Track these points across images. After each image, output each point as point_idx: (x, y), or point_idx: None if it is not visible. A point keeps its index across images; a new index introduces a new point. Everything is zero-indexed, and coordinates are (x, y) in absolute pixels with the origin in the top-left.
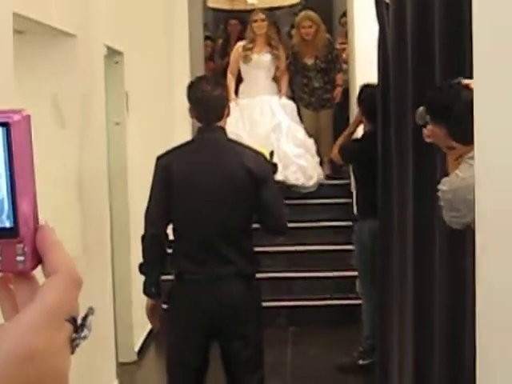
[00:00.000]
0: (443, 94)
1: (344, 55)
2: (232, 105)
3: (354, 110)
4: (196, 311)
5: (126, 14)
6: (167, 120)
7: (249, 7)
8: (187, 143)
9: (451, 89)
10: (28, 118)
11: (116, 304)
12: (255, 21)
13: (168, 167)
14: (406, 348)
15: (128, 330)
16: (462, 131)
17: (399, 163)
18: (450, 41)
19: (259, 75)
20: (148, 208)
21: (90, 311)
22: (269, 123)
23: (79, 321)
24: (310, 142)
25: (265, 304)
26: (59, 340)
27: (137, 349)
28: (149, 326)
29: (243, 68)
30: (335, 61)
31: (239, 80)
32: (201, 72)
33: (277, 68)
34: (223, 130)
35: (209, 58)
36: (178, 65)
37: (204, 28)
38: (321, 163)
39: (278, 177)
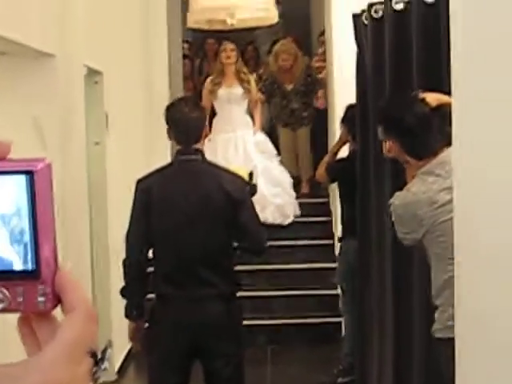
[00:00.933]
0: (394, 107)
1: (322, 74)
2: (205, 140)
3: (333, 130)
4: (177, 331)
5: (105, 34)
6: (146, 140)
7: (227, 27)
8: (166, 166)
9: (403, 102)
10: (50, 166)
11: None
12: (224, 50)
13: (147, 191)
14: (385, 364)
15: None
16: (415, 145)
17: (377, 182)
18: (427, 63)
19: (232, 109)
20: (128, 231)
21: (109, 344)
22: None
23: (99, 354)
24: (286, 177)
25: (244, 322)
26: (81, 374)
27: (117, 368)
28: (128, 346)
29: (215, 103)
30: (314, 83)
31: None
32: (180, 91)
33: (249, 101)
34: (201, 152)
35: (188, 78)
36: (158, 84)
37: (189, 46)
38: (299, 182)
39: None
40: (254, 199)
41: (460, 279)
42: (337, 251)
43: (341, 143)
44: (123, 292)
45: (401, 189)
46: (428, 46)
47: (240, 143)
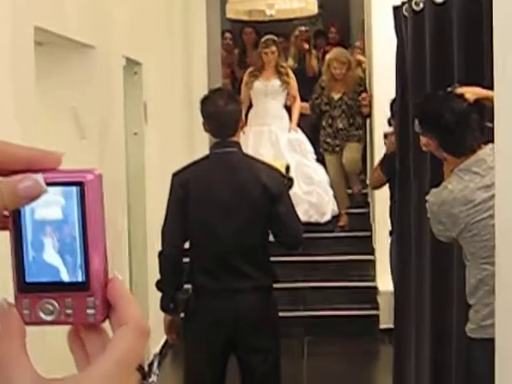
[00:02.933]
0: (432, 104)
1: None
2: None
3: (373, 120)
4: (213, 324)
5: (145, 25)
6: (185, 129)
7: (267, 18)
8: (202, 159)
9: (441, 98)
10: (100, 176)
11: None
12: (265, 53)
13: (184, 184)
14: (422, 363)
15: None
16: (452, 142)
17: (417, 178)
18: (468, 56)
19: (267, 102)
20: (165, 224)
21: (156, 358)
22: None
23: (146, 367)
24: (322, 175)
25: (281, 314)
26: None
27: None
28: (164, 337)
29: (252, 95)
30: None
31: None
32: (218, 81)
33: (288, 95)
34: (238, 144)
35: (227, 66)
36: (196, 74)
37: (231, 36)
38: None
39: None
40: None
41: (500, 278)
42: (376, 243)
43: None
44: (159, 285)
45: (438, 185)
46: (469, 39)
47: (273, 138)
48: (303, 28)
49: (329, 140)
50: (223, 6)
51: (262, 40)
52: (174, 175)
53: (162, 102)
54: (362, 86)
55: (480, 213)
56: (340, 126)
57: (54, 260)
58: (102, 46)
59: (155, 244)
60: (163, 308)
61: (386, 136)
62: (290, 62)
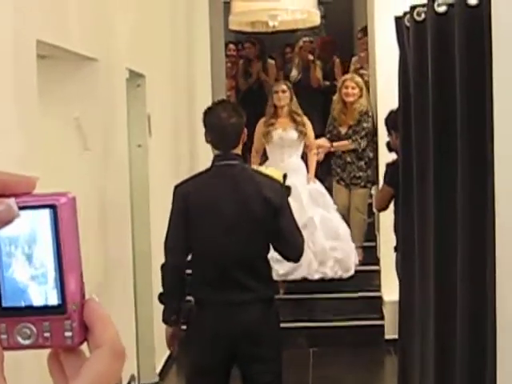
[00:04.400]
0: None
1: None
2: None
3: (380, 131)
4: (215, 336)
5: (148, 37)
6: (189, 142)
7: (270, 29)
8: (205, 171)
9: None
10: (73, 199)
11: (138, 326)
12: (276, 92)
13: (185, 196)
14: (427, 377)
15: (150, 351)
16: None
17: (420, 188)
18: (470, 66)
19: (284, 155)
20: (167, 237)
21: (132, 379)
22: (298, 219)
23: None
24: (344, 227)
25: (286, 325)
26: None
27: (158, 370)
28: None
29: (267, 146)
30: (368, 134)
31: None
32: (222, 92)
33: (304, 145)
34: (239, 157)
35: (230, 77)
36: (200, 86)
37: (235, 47)
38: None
39: (315, 275)
40: (313, 252)
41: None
42: (381, 253)
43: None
44: (161, 298)
45: (445, 194)
46: (471, 49)
47: (294, 192)
48: (307, 39)
49: (339, 170)
50: (226, 18)
51: (274, 87)
52: (176, 187)
53: (166, 114)
54: (366, 120)
55: None
56: (348, 159)
57: (29, 284)
58: (104, 59)
59: (159, 257)
60: (165, 320)
61: (388, 165)
62: (294, 72)
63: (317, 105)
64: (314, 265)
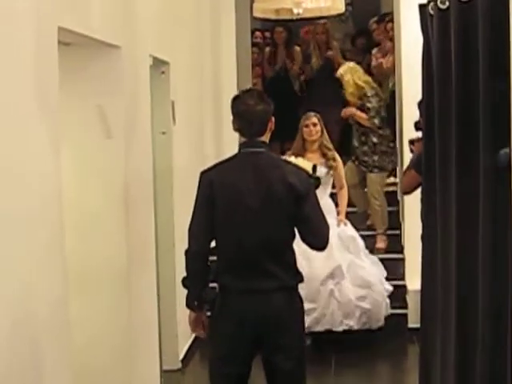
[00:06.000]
0: None
1: (388, 64)
2: None
3: (401, 119)
4: (239, 323)
5: (172, 24)
6: (214, 129)
7: (294, 17)
8: (230, 158)
9: None
10: None
11: (161, 312)
12: (306, 126)
13: (211, 183)
14: (447, 369)
15: (173, 337)
16: None
17: (443, 178)
18: (494, 52)
19: None
20: (191, 223)
21: None
22: (325, 266)
23: None
24: (375, 275)
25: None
26: None
27: (181, 356)
28: (193, 335)
29: None
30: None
31: None
32: (248, 80)
33: (334, 183)
34: (266, 144)
35: (257, 65)
36: (225, 73)
37: (261, 34)
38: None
39: (339, 328)
40: (338, 303)
41: None
42: (405, 242)
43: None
44: (184, 282)
45: (467, 183)
46: (494, 37)
47: None
48: (321, 21)
49: (366, 158)
50: (253, 5)
51: (303, 120)
52: (202, 173)
53: (191, 101)
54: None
55: None
56: (355, 143)
57: None
58: (128, 46)
59: (183, 244)
60: (188, 305)
61: (412, 142)
62: (314, 59)
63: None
64: (338, 316)
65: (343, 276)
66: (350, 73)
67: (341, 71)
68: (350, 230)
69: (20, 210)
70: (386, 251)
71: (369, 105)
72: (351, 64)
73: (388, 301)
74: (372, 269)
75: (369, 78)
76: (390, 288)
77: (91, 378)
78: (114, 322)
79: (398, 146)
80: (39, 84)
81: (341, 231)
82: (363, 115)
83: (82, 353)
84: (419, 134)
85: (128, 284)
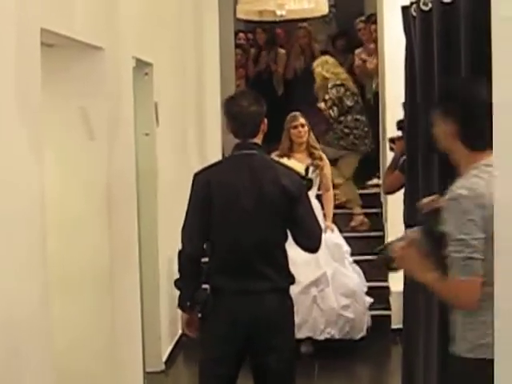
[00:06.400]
0: (463, 86)
1: (372, 65)
2: None
3: (384, 120)
4: (231, 324)
5: (155, 25)
6: (197, 130)
7: (277, 18)
8: (224, 160)
9: (475, 83)
10: None
11: (144, 313)
12: (295, 127)
13: (209, 183)
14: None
15: (156, 339)
16: (475, 132)
17: (425, 176)
18: (475, 53)
19: None
20: (185, 224)
21: None
22: (310, 272)
23: None
24: (359, 282)
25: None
26: None
27: (165, 358)
28: (176, 336)
29: None
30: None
31: None
32: (231, 81)
33: (320, 184)
34: (259, 146)
35: (240, 66)
36: (209, 74)
37: (244, 36)
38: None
39: (321, 336)
40: (321, 310)
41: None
42: None
43: (399, 155)
44: (177, 283)
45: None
46: (476, 38)
47: None
48: (304, 24)
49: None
50: (236, 6)
51: (290, 121)
52: (197, 175)
53: (174, 102)
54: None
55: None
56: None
57: None
58: (110, 48)
59: (166, 245)
60: (181, 306)
61: (393, 141)
62: (299, 62)
63: None
64: (320, 324)
65: (328, 283)
66: (320, 65)
67: (314, 64)
68: (336, 236)
69: (1, 211)
70: (370, 253)
71: (326, 96)
72: (326, 57)
73: (368, 314)
74: (355, 278)
75: (340, 71)
76: (371, 300)
77: (74, 381)
78: (97, 323)
79: (380, 146)
80: (21, 85)
81: (327, 238)
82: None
83: (65, 355)
84: (400, 133)
85: (111, 285)
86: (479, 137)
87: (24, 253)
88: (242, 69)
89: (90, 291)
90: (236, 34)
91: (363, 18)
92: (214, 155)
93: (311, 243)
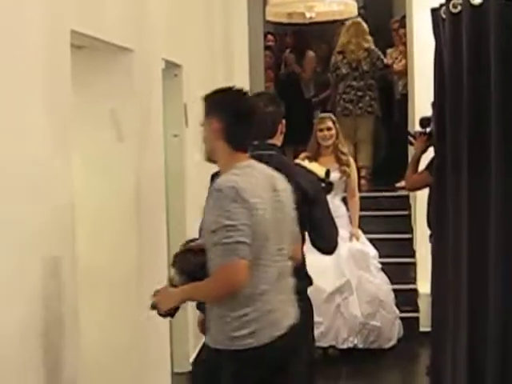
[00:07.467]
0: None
1: (399, 66)
2: None
3: (413, 120)
4: None
5: (184, 27)
6: None
7: (307, 21)
8: None
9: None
10: None
11: None
12: (321, 130)
13: None
14: (459, 368)
15: (183, 340)
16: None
17: (454, 180)
18: (505, 56)
19: None
20: None
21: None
22: (334, 279)
23: None
24: (386, 289)
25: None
26: None
27: (192, 359)
28: (203, 337)
29: None
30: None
31: None
32: (261, 83)
33: (346, 188)
34: (276, 147)
35: (269, 68)
36: (238, 76)
37: (273, 38)
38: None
39: (343, 345)
40: (344, 319)
41: None
42: (417, 246)
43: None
44: None
45: (478, 186)
46: (506, 41)
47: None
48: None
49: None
50: (265, 8)
51: (318, 123)
52: (213, 176)
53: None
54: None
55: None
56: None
57: None
58: (140, 49)
59: None
60: (199, 307)
61: (413, 136)
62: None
63: None
64: (343, 333)
65: (352, 291)
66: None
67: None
68: (361, 243)
69: (31, 214)
70: (398, 256)
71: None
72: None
73: (400, 322)
74: (383, 285)
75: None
76: (398, 313)
77: (102, 379)
78: (125, 324)
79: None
80: (51, 87)
81: (351, 246)
82: None
83: (93, 355)
84: (421, 129)
85: (139, 286)
86: (241, 139)
87: (54, 253)
88: (271, 71)
89: (118, 292)
90: (265, 35)
91: (398, 18)
92: None
93: (328, 245)
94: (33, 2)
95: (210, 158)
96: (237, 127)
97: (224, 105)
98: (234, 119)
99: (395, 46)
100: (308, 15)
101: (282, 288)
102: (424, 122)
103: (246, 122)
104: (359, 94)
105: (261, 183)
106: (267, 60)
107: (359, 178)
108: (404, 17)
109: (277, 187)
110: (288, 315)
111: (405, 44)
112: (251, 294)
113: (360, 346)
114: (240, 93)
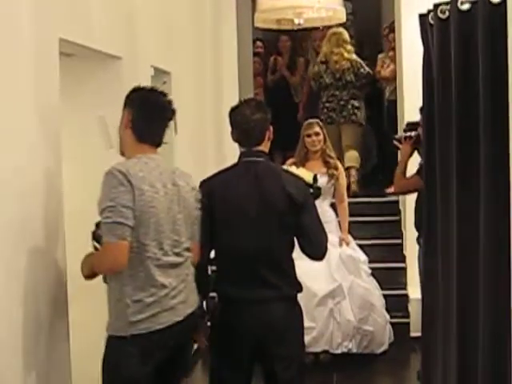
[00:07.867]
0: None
1: (387, 73)
2: None
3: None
4: (239, 333)
5: (173, 34)
6: (215, 139)
7: (295, 27)
8: (230, 168)
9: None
10: None
11: None
12: (308, 135)
13: (210, 192)
14: (449, 372)
15: None
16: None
17: (443, 185)
18: (492, 63)
19: None
20: None
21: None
22: (324, 285)
23: None
24: (376, 294)
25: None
26: None
27: None
28: (195, 345)
29: None
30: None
31: None
32: (250, 89)
33: (334, 192)
34: (264, 154)
35: (258, 75)
36: (227, 82)
37: (262, 44)
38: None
39: (337, 350)
40: (337, 323)
41: None
42: (407, 251)
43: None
44: None
45: (467, 190)
46: (494, 47)
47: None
48: (320, 27)
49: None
50: (253, 15)
51: (305, 129)
52: (202, 183)
53: (192, 111)
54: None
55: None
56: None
57: None
58: (129, 57)
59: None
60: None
61: (399, 140)
62: (315, 67)
63: None
64: (337, 338)
65: (344, 296)
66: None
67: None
68: (351, 249)
69: (21, 221)
70: (388, 261)
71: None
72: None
73: (390, 327)
74: (373, 290)
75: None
76: (389, 318)
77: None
78: None
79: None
80: (40, 94)
81: (341, 252)
82: None
83: (81, 360)
84: (407, 134)
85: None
86: (147, 132)
87: (44, 258)
88: (260, 77)
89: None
90: (253, 42)
91: (389, 25)
92: (233, 163)
93: (317, 252)
94: (22, 10)
95: (121, 150)
96: (143, 120)
97: (135, 99)
98: (141, 113)
99: (385, 51)
100: (297, 21)
101: (179, 277)
102: (409, 126)
103: (153, 117)
104: (341, 103)
105: (155, 174)
106: (256, 66)
107: (348, 182)
108: (393, 22)
109: (177, 182)
110: (188, 303)
111: (394, 49)
112: (134, 275)
113: (354, 350)
114: (155, 92)
